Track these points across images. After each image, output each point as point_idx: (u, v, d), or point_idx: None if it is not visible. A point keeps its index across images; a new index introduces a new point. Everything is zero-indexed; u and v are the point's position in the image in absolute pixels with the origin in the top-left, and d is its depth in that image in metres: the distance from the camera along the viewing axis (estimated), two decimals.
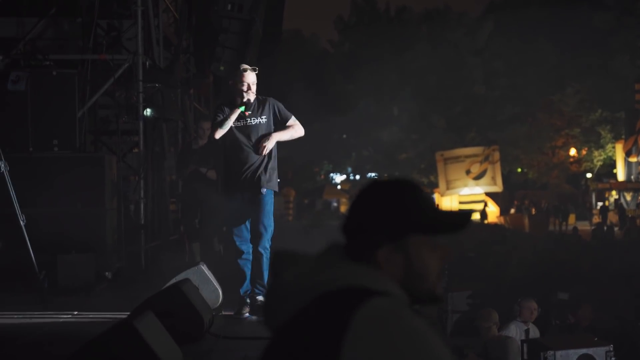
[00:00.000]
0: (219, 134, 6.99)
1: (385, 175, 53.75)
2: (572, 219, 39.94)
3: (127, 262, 10.23)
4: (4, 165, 7.51)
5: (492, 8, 54.24)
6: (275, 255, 1.94)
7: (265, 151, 6.98)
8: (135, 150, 11.49)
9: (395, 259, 1.85)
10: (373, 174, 54.77)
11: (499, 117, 49.80)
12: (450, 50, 50.81)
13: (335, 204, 52.49)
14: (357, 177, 56.67)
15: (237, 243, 7.07)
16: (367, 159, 55.22)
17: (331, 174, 59.41)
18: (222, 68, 13.68)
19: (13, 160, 8.69)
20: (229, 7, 13.07)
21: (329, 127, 53.15)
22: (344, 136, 55.15)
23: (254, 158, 7.01)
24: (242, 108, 6.97)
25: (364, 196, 1.92)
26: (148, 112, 11.01)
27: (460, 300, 11.78)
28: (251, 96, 7.01)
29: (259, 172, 7.01)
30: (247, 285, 7.12)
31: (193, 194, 10.04)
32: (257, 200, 6.98)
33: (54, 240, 8.74)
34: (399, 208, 1.86)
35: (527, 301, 8.84)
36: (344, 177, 58.98)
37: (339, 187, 57.30)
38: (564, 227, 37.44)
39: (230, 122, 6.97)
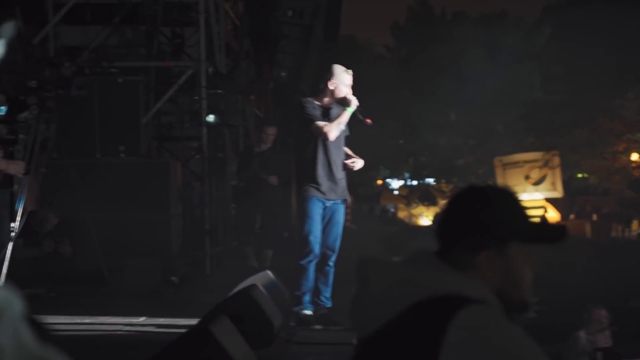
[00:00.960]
0: (334, 134, 6.66)
1: (443, 181, 53.46)
2: (635, 225, 39.23)
3: (192, 267, 10.29)
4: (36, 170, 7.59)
5: (550, 11, 53.66)
6: (361, 263, 1.92)
7: (359, 165, 6.88)
8: (198, 156, 11.56)
9: (495, 264, 1.84)
10: (431, 180, 54.46)
11: (558, 122, 49.20)
12: (507, 54, 50.36)
13: (392, 210, 52.30)
14: (415, 182, 56.43)
15: (312, 246, 6.69)
16: (424, 164, 54.96)
17: (387, 180, 59.25)
18: (283, 74, 13.74)
19: (81, 166, 8.83)
20: (290, 13, 13.13)
21: (385, 132, 53.03)
22: (401, 141, 54.97)
23: (342, 165, 6.84)
24: (352, 110, 6.69)
25: (465, 201, 1.92)
26: (211, 118, 11.08)
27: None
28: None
29: (344, 179, 6.87)
30: (306, 287, 6.85)
31: (251, 200, 10.06)
32: (338, 209, 6.80)
33: (121, 245, 8.83)
34: (503, 214, 1.87)
35: (597, 309, 8.65)
36: (401, 182, 58.78)
37: (396, 192, 57.13)
38: (627, 233, 36.79)
39: (343, 124, 6.72)
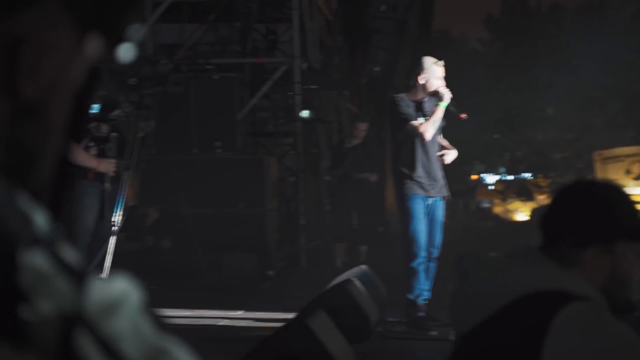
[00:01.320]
0: (430, 133, 6.52)
1: (541, 176, 52.60)
2: None
3: (287, 262, 10.36)
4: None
5: None
6: (461, 258, 1.89)
7: (450, 158, 6.74)
8: (292, 151, 11.63)
9: (602, 261, 1.80)
10: (527, 175, 53.63)
11: None
12: (607, 46, 49.16)
13: (487, 205, 51.72)
14: (511, 177, 55.64)
15: (420, 247, 6.54)
16: (520, 159, 54.17)
17: (482, 175, 58.60)
18: (376, 69, 13.69)
19: (179, 162, 8.96)
20: (383, 8, 13.07)
21: (481, 126, 52.43)
22: (496, 136, 54.30)
23: (440, 161, 6.73)
24: (446, 105, 6.51)
25: (572, 196, 1.88)
26: (305, 113, 11.13)
27: None
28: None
29: (443, 175, 6.76)
30: (419, 289, 6.70)
31: (345, 198, 10.07)
32: (439, 205, 6.68)
33: (218, 240, 8.95)
34: (614, 211, 1.84)
35: None
36: (497, 177, 58.07)
37: (491, 187, 56.48)
38: None
39: (438, 121, 6.56)
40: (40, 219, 0.69)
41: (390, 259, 11.47)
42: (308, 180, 11.44)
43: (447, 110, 6.52)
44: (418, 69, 6.62)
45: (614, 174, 48.00)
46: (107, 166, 6.14)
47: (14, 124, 0.70)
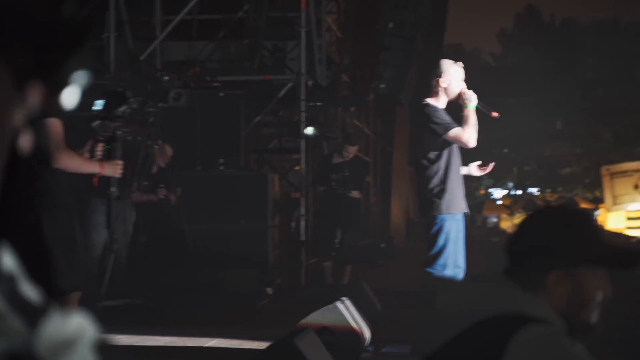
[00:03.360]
0: (475, 139, 5.96)
1: (549, 190, 52.47)
2: None
3: (287, 277, 10.49)
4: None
5: None
6: (428, 282, 2.01)
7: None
8: (297, 167, 11.76)
9: (564, 285, 1.86)
10: (535, 190, 53.53)
11: None
12: (619, 61, 49.06)
13: (495, 220, 51.50)
14: (519, 192, 55.45)
15: (453, 274, 5.62)
16: (528, 173, 54.03)
17: (490, 189, 58.40)
18: (382, 86, 13.84)
19: (182, 178, 9.12)
20: (391, 25, 13.21)
21: (490, 140, 52.33)
22: (505, 150, 54.21)
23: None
24: (475, 105, 5.98)
25: (537, 221, 1.96)
26: (310, 130, 11.23)
27: (622, 321, 11.39)
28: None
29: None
30: None
31: (330, 216, 9.92)
32: (463, 219, 6.09)
33: (219, 256, 9.08)
34: (577, 236, 1.89)
35: None
36: (504, 192, 57.83)
37: (499, 202, 56.25)
38: None
39: (476, 125, 5.96)
40: (3, 257, 0.69)
41: (390, 275, 11.61)
42: (311, 197, 11.58)
43: (478, 110, 6.01)
44: (437, 71, 6.06)
45: (622, 188, 47.70)
46: (112, 169, 5.36)
47: None
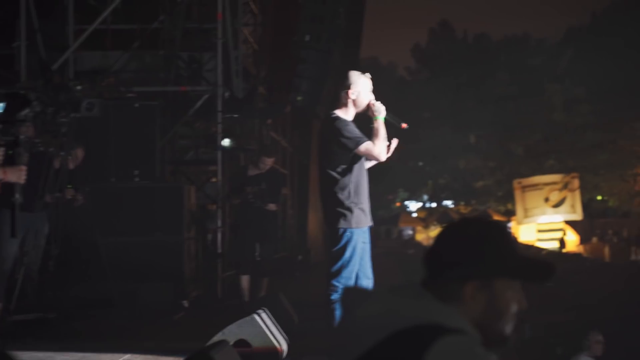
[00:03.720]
0: (385, 152, 5.90)
1: (462, 203, 53.36)
2: None
3: (203, 290, 10.39)
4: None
5: (572, 33, 53.58)
6: (346, 292, 1.99)
7: None
8: (214, 179, 11.69)
9: (480, 296, 1.88)
10: (449, 202, 54.40)
11: (579, 145, 49.00)
12: (529, 76, 50.32)
13: (410, 232, 52.09)
14: (433, 204, 56.24)
15: (364, 284, 5.35)
16: (443, 186, 54.91)
17: (406, 202, 59.12)
18: (299, 98, 13.88)
19: (96, 190, 8.95)
20: (307, 37, 13.26)
21: (405, 154, 53.02)
22: (420, 164, 55.00)
23: None
24: (384, 117, 5.89)
25: (457, 232, 1.96)
26: (226, 142, 11.19)
27: (539, 331, 11.63)
28: None
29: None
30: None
31: (247, 229, 9.70)
32: (369, 234, 6.05)
33: (134, 269, 8.94)
34: (494, 248, 1.90)
35: (595, 335, 8.79)
36: (419, 204, 58.59)
37: (414, 215, 56.98)
38: None
39: (386, 137, 5.90)
40: None
41: (307, 287, 11.60)
42: (227, 209, 11.51)
43: (387, 122, 5.91)
44: (346, 83, 5.95)
45: (533, 201, 48.68)
46: (16, 175, 5.26)
47: None
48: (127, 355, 6.36)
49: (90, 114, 9.39)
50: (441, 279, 1.90)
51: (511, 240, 1.94)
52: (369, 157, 5.92)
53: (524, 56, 51.87)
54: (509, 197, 49.52)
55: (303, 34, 13.42)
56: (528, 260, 1.92)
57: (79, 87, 9.36)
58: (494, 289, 1.88)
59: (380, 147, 5.85)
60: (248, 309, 7.07)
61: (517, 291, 1.92)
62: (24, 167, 5.18)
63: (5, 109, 5.91)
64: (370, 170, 6.14)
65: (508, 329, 1.92)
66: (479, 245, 1.90)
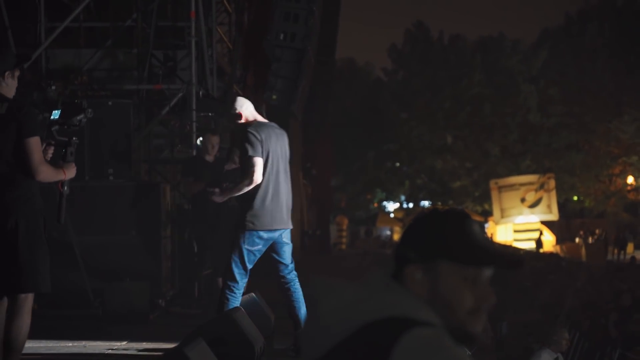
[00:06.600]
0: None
1: (439, 203, 53.53)
2: (630, 247, 39.16)
3: (180, 289, 10.29)
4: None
5: (547, 35, 53.92)
6: (312, 284, 1.92)
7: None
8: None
9: (421, 279, 1.84)
10: (426, 202, 54.54)
11: (554, 145, 49.32)
12: (504, 77, 50.58)
13: (388, 232, 52.18)
14: (411, 205, 56.37)
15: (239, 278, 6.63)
16: (420, 187, 55.06)
17: (384, 202, 59.23)
18: (274, 97, 13.80)
19: (70, 189, 8.81)
20: (282, 36, 13.20)
21: (383, 155, 53.09)
22: (397, 164, 55.10)
23: None
24: None
25: (415, 220, 1.95)
26: (201, 140, 11.11)
27: (515, 330, 11.65)
28: None
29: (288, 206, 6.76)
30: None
31: (206, 218, 9.35)
32: (287, 236, 6.86)
33: (109, 268, 8.83)
34: (436, 231, 1.87)
35: (561, 332, 8.88)
36: (397, 205, 58.72)
37: (392, 215, 57.10)
38: (622, 257, 36.74)
39: None
40: None
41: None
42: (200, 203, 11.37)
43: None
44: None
45: (510, 201, 48.97)
46: (71, 172, 5.55)
47: None
48: (103, 354, 6.28)
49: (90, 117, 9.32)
50: (395, 265, 1.87)
51: (471, 229, 1.88)
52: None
53: (499, 57, 52.13)
54: (486, 198, 49.76)
55: (277, 33, 13.35)
56: (481, 246, 1.86)
57: (53, 87, 9.26)
58: (437, 273, 1.84)
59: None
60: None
61: (471, 280, 1.85)
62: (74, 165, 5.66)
63: (61, 115, 6.35)
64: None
65: (468, 324, 1.85)
66: (425, 229, 1.88)
